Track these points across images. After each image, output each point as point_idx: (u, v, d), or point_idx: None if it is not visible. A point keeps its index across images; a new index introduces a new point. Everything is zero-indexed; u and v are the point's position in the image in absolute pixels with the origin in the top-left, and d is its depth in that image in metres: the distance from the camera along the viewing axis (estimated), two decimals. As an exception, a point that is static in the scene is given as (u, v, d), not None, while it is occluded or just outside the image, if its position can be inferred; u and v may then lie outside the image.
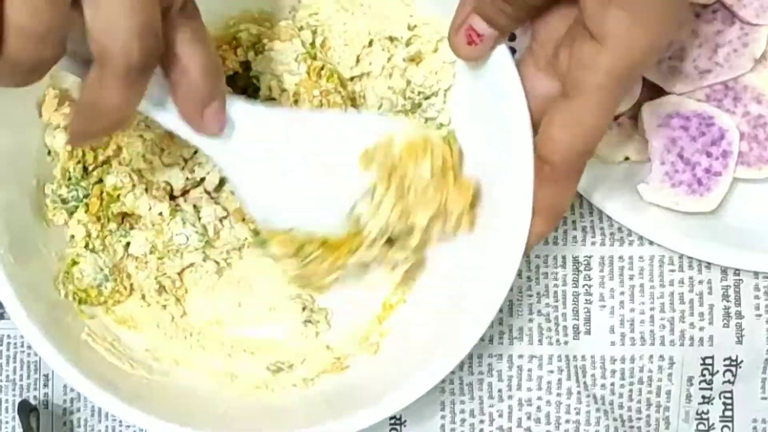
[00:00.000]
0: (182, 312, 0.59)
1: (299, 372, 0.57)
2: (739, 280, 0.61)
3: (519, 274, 0.61)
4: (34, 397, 0.61)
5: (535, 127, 0.50)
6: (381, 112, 0.57)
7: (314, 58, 0.56)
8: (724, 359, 0.61)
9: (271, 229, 0.53)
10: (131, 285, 0.58)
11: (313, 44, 0.57)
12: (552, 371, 0.61)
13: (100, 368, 0.54)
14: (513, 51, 0.58)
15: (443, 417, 0.61)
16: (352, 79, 0.57)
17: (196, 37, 0.46)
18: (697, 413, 0.61)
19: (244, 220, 0.58)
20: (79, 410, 0.61)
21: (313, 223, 0.53)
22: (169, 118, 0.49)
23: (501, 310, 0.61)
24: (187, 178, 0.57)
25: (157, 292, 0.58)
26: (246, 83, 0.58)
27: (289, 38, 0.56)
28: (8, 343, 0.61)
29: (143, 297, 0.58)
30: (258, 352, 0.58)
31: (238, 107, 0.50)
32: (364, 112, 0.56)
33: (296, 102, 0.56)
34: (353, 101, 0.57)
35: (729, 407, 0.61)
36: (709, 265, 0.60)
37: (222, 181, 0.58)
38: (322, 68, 0.56)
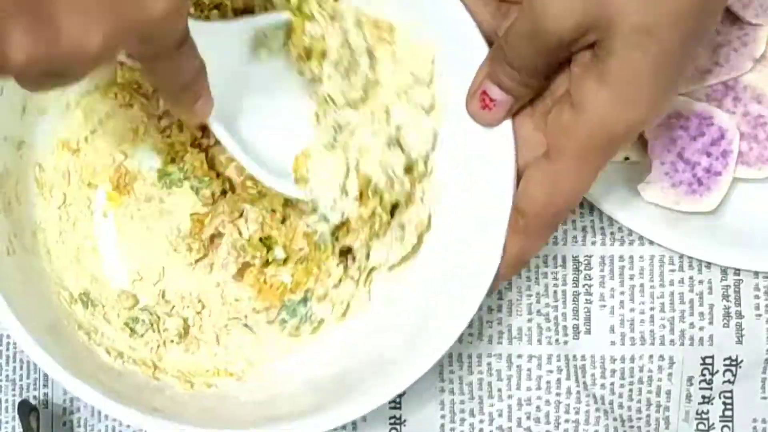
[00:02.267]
0: None
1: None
2: (739, 280, 0.61)
3: (519, 274, 0.61)
4: (34, 397, 0.61)
5: (519, 177, 0.52)
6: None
7: None
8: (724, 359, 0.61)
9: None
10: None
11: None
12: (552, 371, 0.61)
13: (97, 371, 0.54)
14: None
15: (443, 416, 0.61)
16: None
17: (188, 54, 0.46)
18: (697, 413, 0.61)
19: None
20: (79, 410, 0.61)
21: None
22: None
23: (500, 310, 0.61)
24: None
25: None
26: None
27: None
28: (8, 343, 0.61)
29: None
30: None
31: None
32: None
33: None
34: None
35: (729, 407, 0.61)
36: (709, 265, 0.60)
37: None
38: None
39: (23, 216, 0.56)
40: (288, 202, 0.58)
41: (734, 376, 0.61)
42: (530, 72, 0.49)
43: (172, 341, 0.58)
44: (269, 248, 0.59)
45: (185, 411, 0.54)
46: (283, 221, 0.59)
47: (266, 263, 0.59)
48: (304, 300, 0.59)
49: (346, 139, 0.56)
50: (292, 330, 0.59)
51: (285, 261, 0.59)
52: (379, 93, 0.56)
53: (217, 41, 0.52)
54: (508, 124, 0.52)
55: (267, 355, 0.59)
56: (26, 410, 0.59)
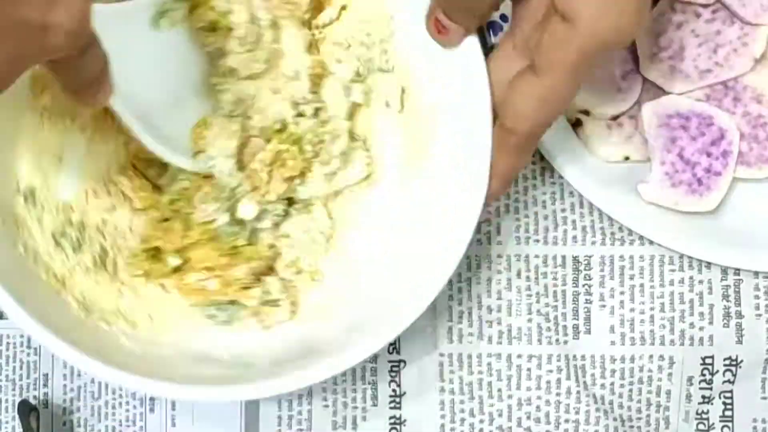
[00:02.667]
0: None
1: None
2: (739, 280, 0.61)
3: (518, 274, 0.61)
4: (34, 397, 0.61)
5: (500, 102, 0.53)
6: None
7: None
8: (724, 359, 0.61)
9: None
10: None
11: None
12: (551, 371, 0.61)
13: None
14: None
15: (443, 417, 0.61)
16: None
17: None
18: (697, 413, 0.61)
19: None
20: (79, 410, 0.61)
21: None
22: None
23: (500, 310, 0.61)
24: None
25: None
26: None
27: None
28: (8, 343, 0.61)
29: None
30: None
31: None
32: None
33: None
34: None
35: (729, 407, 0.61)
36: (709, 264, 0.60)
37: None
38: None
39: None
40: (174, 201, 0.57)
41: (734, 376, 0.61)
42: (475, 10, 0.52)
43: (87, 267, 0.57)
44: (160, 259, 0.57)
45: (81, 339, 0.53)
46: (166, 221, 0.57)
47: (174, 272, 0.58)
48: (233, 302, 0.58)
49: (246, 108, 0.56)
50: (224, 321, 0.58)
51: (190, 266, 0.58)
52: (281, 63, 0.57)
53: (118, 21, 0.52)
54: (479, 53, 0.53)
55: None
56: (26, 410, 0.59)
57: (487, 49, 0.58)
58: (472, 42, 0.54)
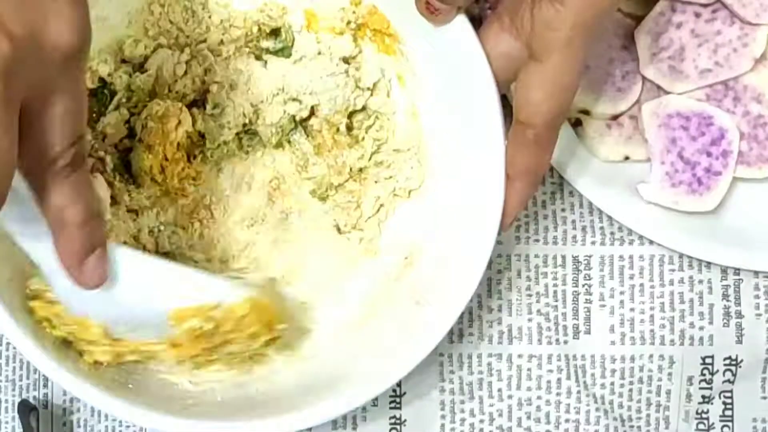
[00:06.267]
0: None
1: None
2: (739, 279, 0.61)
3: (518, 274, 0.61)
4: (34, 397, 0.61)
5: (500, 85, 0.52)
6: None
7: None
8: (724, 359, 0.61)
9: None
10: None
11: None
12: (552, 371, 0.61)
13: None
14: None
15: (443, 417, 0.61)
16: None
17: (77, 189, 0.45)
18: (697, 413, 0.61)
19: None
20: (78, 410, 0.61)
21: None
22: (39, 248, 0.48)
23: (500, 310, 0.61)
24: None
25: None
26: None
27: None
28: (8, 343, 0.61)
29: None
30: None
31: (123, 255, 0.50)
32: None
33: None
34: None
35: (729, 407, 0.61)
36: (709, 264, 0.60)
37: None
38: None
39: None
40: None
41: (734, 375, 0.61)
42: None
43: None
44: None
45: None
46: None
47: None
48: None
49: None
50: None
51: None
52: None
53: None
54: (476, 42, 0.53)
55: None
56: (26, 410, 0.59)
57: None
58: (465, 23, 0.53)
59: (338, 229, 0.59)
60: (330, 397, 0.53)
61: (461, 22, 0.53)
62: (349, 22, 0.58)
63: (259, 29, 0.58)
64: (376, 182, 0.59)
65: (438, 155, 0.58)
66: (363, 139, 0.59)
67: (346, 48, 0.58)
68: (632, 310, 0.61)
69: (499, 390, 0.61)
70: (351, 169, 0.59)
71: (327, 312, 0.58)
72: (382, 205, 0.59)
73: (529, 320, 0.61)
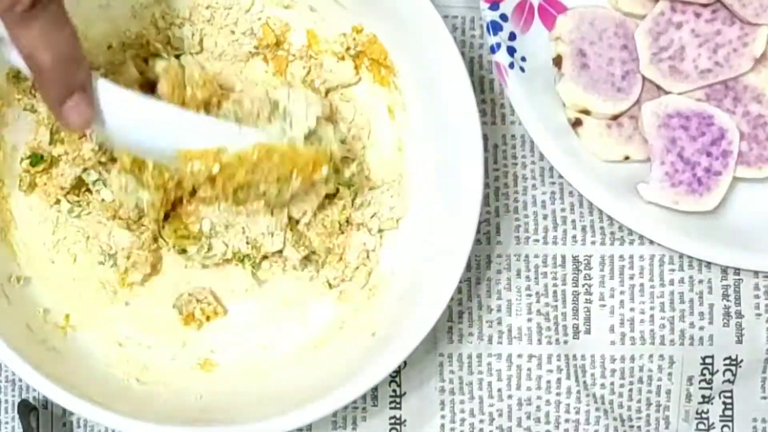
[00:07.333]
0: None
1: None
2: (739, 279, 0.61)
3: (518, 274, 0.61)
4: (34, 397, 0.61)
5: None
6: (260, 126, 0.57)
7: None
8: (724, 359, 0.61)
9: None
10: None
11: None
12: (551, 371, 0.61)
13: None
14: (512, 50, 0.58)
15: (443, 417, 0.61)
16: None
17: (44, 34, 0.45)
18: (696, 413, 0.61)
19: None
20: (78, 410, 0.61)
21: None
22: None
23: (500, 310, 0.61)
24: None
25: None
26: None
27: None
28: (8, 343, 0.61)
29: None
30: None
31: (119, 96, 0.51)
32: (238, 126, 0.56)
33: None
34: None
35: (729, 407, 0.61)
36: (709, 264, 0.60)
37: None
38: None
39: None
40: None
41: (734, 375, 0.61)
42: None
43: None
44: None
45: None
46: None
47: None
48: None
49: None
50: None
51: None
52: None
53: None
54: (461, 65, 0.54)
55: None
56: (26, 410, 0.59)
57: (490, 49, 0.58)
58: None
59: (329, 285, 0.60)
60: (281, 413, 0.54)
61: (453, 54, 0.54)
62: (348, 48, 0.58)
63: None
64: (359, 230, 0.59)
65: (416, 186, 0.58)
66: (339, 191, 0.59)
67: (347, 74, 0.59)
68: (632, 310, 0.61)
69: (499, 390, 0.61)
70: (340, 224, 0.59)
71: (289, 330, 0.59)
72: (370, 251, 0.60)
73: (529, 320, 0.61)
